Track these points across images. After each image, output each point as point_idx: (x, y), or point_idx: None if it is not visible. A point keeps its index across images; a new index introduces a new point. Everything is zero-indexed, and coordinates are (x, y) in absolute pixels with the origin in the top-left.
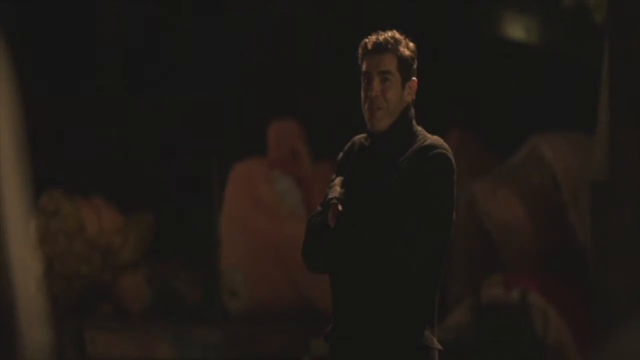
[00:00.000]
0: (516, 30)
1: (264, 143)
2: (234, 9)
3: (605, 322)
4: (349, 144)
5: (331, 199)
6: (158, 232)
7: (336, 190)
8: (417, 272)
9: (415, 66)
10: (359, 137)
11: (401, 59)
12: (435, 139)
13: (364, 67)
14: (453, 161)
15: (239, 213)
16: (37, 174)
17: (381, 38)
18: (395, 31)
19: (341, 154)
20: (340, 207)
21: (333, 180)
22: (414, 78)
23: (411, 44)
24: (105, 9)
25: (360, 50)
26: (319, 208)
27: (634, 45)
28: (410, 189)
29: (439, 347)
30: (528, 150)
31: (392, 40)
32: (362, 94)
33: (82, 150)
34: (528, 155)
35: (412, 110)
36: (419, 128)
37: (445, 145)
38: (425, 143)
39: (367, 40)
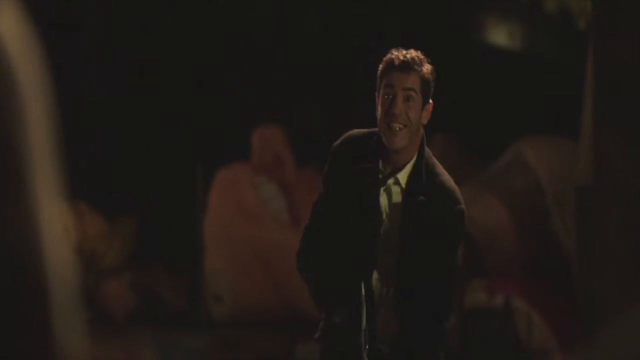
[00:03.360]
0: (500, 35)
1: (248, 148)
2: (221, 13)
3: (590, 327)
4: (343, 145)
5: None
6: (142, 238)
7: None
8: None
9: (432, 90)
10: (357, 141)
11: (424, 80)
12: (451, 184)
13: (385, 82)
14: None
15: (223, 218)
16: None
17: (408, 56)
18: (418, 51)
19: (335, 152)
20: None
21: (323, 184)
22: (430, 101)
23: (430, 66)
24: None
25: (382, 66)
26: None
27: (618, 50)
28: (435, 246)
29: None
30: (512, 156)
31: (417, 60)
32: (380, 109)
33: (66, 155)
34: (512, 161)
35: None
36: (427, 149)
37: (459, 192)
38: (445, 190)
39: (392, 56)
